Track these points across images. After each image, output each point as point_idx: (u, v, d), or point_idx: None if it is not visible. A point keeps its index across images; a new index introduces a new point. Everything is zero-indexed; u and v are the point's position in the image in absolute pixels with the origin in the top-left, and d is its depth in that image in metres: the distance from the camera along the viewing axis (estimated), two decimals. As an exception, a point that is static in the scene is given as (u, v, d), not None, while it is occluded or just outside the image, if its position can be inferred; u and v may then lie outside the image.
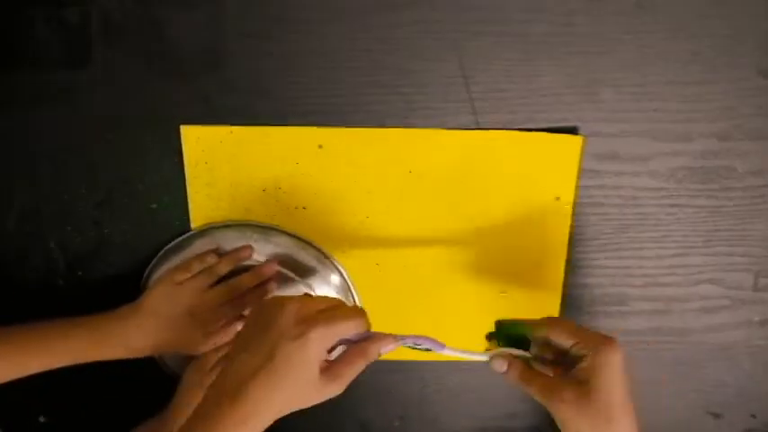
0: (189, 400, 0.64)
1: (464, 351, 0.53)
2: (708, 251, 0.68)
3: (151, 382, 0.70)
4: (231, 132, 0.63)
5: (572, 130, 0.63)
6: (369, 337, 0.50)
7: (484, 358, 0.55)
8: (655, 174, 0.65)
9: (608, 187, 0.65)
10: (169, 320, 0.62)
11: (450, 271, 0.68)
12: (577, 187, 0.65)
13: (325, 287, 0.67)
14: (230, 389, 0.46)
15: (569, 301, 0.70)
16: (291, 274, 0.66)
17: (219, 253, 0.66)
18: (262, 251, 0.66)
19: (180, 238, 0.66)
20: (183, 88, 0.62)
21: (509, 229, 0.67)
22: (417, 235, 0.67)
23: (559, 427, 0.51)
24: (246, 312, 0.65)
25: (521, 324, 0.56)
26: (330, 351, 0.49)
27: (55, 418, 0.74)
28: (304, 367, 0.46)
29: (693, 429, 0.76)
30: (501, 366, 0.54)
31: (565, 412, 0.50)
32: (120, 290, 0.65)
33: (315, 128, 0.63)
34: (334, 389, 0.48)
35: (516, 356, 0.54)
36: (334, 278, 0.67)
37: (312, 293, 0.66)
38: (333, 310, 0.49)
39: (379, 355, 0.50)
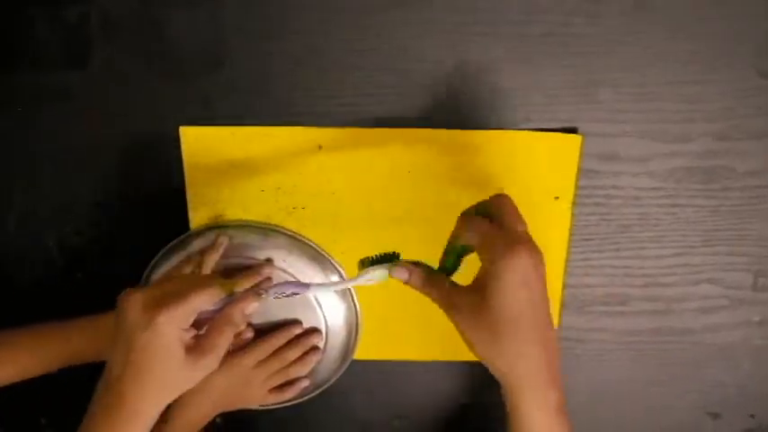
0: None
1: (333, 283, 0.50)
2: (707, 251, 0.68)
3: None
4: (230, 133, 0.63)
5: (571, 131, 0.63)
6: (230, 303, 0.49)
7: (369, 277, 0.50)
8: (654, 174, 0.65)
9: (607, 187, 0.65)
10: None
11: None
12: (577, 187, 0.65)
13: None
14: (106, 393, 0.46)
15: (569, 301, 0.70)
16: (290, 275, 0.66)
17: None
18: (260, 252, 0.66)
19: (179, 239, 0.66)
20: (183, 88, 0.62)
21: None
22: (417, 235, 0.67)
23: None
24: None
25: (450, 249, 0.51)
26: (199, 328, 0.48)
27: (56, 419, 0.74)
28: (164, 353, 0.45)
29: (692, 429, 0.76)
30: (402, 273, 0.49)
31: (459, 322, 0.46)
32: (119, 290, 0.65)
33: (314, 128, 0.63)
34: (207, 363, 0.47)
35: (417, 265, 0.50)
36: (334, 279, 0.67)
37: (310, 294, 0.66)
38: (180, 288, 0.48)
39: (246, 316, 0.49)
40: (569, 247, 0.67)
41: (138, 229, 0.67)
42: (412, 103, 0.63)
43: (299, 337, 0.67)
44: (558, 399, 0.45)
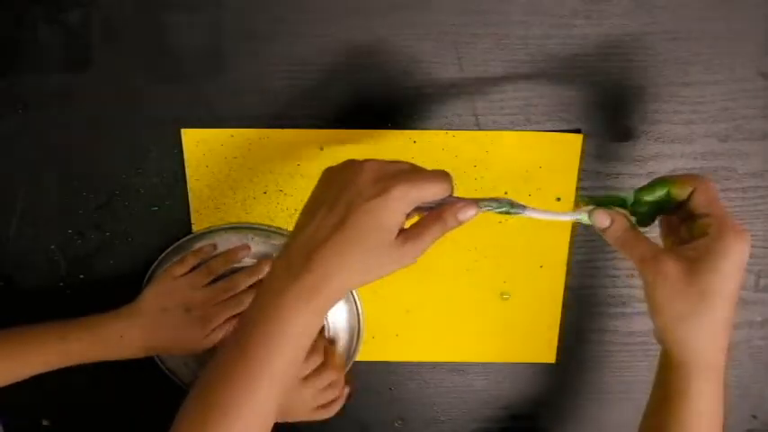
0: None
1: (549, 212, 0.48)
2: (708, 252, 0.68)
3: (152, 384, 0.70)
4: (231, 135, 0.63)
5: (573, 132, 0.63)
6: (450, 203, 0.46)
7: (580, 216, 0.49)
8: (655, 175, 0.65)
9: (609, 188, 0.65)
10: (165, 316, 0.62)
11: (451, 273, 0.68)
12: (578, 188, 0.65)
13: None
14: (302, 254, 0.42)
15: (571, 302, 0.70)
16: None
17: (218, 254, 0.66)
18: (262, 253, 0.66)
19: (181, 241, 0.66)
20: (184, 90, 0.62)
21: (510, 231, 0.67)
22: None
23: (647, 301, 0.47)
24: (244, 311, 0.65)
25: (658, 182, 0.49)
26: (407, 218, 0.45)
27: (58, 421, 0.74)
28: (385, 226, 0.42)
29: (694, 430, 0.76)
30: (604, 221, 0.48)
31: (663, 287, 0.45)
32: (121, 292, 0.65)
33: (315, 130, 0.63)
34: (410, 252, 0.44)
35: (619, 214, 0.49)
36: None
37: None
38: (415, 171, 0.46)
39: (459, 222, 0.46)
40: (571, 248, 0.67)
41: (140, 232, 0.67)
42: (413, 104, 0.63)
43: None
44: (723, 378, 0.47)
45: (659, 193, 0.48)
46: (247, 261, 0.66)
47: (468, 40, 0.60)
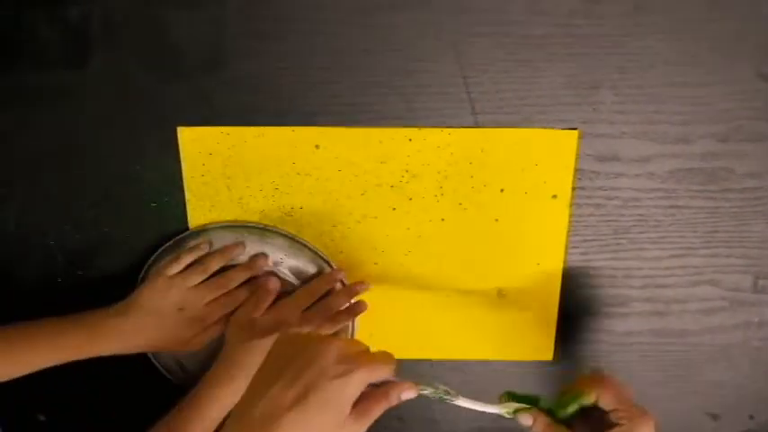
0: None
1: (479, 403, 0.55)
2: (707, 252, 0.68)
3: (149, 380, 0.70)
4: (228, 133, 0.63)
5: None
6: (393, 383, 0.50)
7: (504, 411, 0.56)
8: (654, 175, 0.65)
9: (607, 188, 0.65)
10: (159, 315, 0.62)
11: (448, 271, 0.68)
12: (575, 185, 0.65)
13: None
14: (262, 422, 0.45)
15: (568, 302, 0.70)
16: (287, 276, 0.66)
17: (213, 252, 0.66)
18: (258, 252, 0.66)
19: (176, 238, 0.66)
20: (183, 88, 0.62)
21: (506, 229, 0.67)
22: (414, 236, 0.67)
23: None
24: (241, 311, 0.65)
25: (567, 393, 0.56)
26: None
27: (54, 416, 0.74)
28: (339, 407, 0.46)
29: (692, 430, 0.76)
30: (527, 420, 0.55)
31: None
32: (118, 288, 0.66)
33: (311, 128, 0.63)
34: (360, 428, 0.47)
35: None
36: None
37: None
38: (370, 354, 0.50)
39: (400, 400, 0.50)
40: (567, 246, 0.67)
41: (137, 228, 0.67)
42: (411, 103, 0.62)
43: None
44: None
45: (571, 409, 0.55)
46: (242, 259, 0.66)
47: (467, 39, 0.60)
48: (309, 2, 0.59)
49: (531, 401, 0.56)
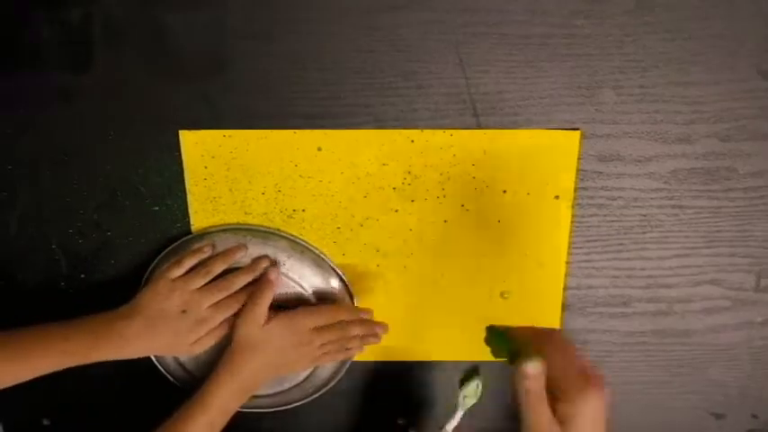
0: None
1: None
2: (709, 252, 0.68)
3: (153, 383, 0.70)
4: (230, 136, 0.63)
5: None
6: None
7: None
8: (656, 175, 0.65)
9: (610, 188, 0.65)
10: (162, 318, 0.62)
11: (450, 273, 0.68)
12: (577, 186, 0.65)
13: (324, 290, 0.67)
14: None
15: (571, 302, 0.70)
16: (290, 278, 0.66)
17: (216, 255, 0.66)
18: (260, 254, 0.66)
19: (179, 241, 0.66)
20: (185, 90, 0.62)
21: (509, 230, 0.67)
22: (417, 237, 0.67)
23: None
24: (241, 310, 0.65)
25: (511, 340, 0.53)
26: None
27: (58, 421, 0.74)
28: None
29: (695, 430, 0.76)
30: (535, 367, 0.48)
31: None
32: (122, 291, 0.66)
33: (313, 130, 0.63)
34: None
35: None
36: (333, 281, 0.67)
37: (310, 297, 0.67)
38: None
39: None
40: (570, 247, 0.67)
41: (139, 232, 0.67)
42: (412, 104, 0.62)
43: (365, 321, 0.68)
44: None
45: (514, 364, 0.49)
46: (245, 262, 0.66)
47: (469, 40, 0.60)
48: (310, 3, 0.59)
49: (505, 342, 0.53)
